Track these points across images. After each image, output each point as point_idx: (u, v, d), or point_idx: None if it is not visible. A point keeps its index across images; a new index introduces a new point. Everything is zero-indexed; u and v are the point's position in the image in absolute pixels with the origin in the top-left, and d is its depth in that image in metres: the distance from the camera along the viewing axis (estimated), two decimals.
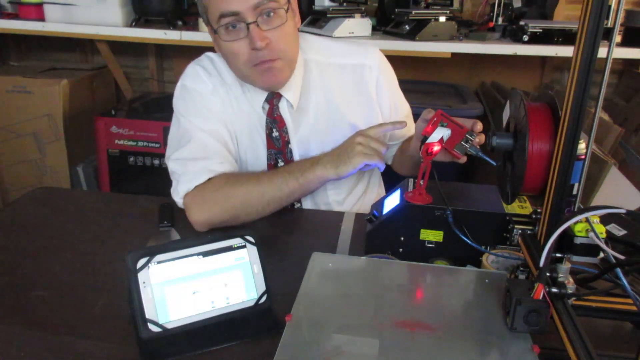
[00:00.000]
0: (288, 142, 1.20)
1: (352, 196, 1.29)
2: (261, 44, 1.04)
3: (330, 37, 1.26)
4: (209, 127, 1.14)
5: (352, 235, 1.07)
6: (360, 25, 2.16)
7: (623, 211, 0.61)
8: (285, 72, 1.12)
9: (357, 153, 1.05)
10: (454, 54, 2.10)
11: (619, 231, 0.96)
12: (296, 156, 1.21)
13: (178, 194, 1.09)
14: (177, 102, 1.19)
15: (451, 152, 0.94)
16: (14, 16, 2.35)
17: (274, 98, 1.17)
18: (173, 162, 1.13)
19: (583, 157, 0.69)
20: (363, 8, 2.31)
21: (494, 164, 0.90)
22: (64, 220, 1.11)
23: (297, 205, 1.24)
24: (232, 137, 1.19)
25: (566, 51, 2.05)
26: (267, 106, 1.18)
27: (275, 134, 1.19)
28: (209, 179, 1.08)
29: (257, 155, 1.21)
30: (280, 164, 1.21)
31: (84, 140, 2.41)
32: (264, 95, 1.17)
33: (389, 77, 1.26)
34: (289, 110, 1.19)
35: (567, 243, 0.67)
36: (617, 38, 0.64)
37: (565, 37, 2.06)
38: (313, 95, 1.20)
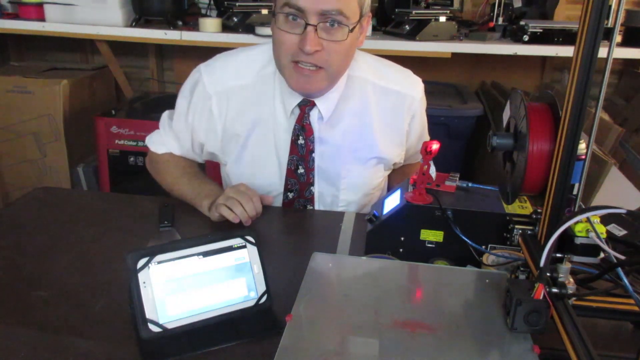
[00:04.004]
0: (312, 152, 1.19)
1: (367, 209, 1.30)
2: (310, 49, 1.01)
3: (379, 57, 1.26)
4: (191, 122, 1.23)
5: (352, 235, 1.07)
6: None
7: (623, 211, 0.61)
8: (324, 83, 1.10)
9: (220, 205, 1.09)
10: (454, 54, 2.10)
11: (619, 231, 0.96)
12: (317, 165, 1.21)
13: (147, 143, 1.33)
14: (188, 82, 1.24)
15: (445, 186, 0.96)
16: (14, 16, 2.35)
17: (307, 105, 1.16)
18: (163, 116, 1.31)
19: (583, 157, 0.68)
20: None
21: (492, 188, 0.96)
22: (64, 220, 1.11)
23: (310, 207, 1.25)
24: (218, 144, 1.22)
25: (566, 51, 2.05)
26: (297, 111, 1.17)
27: (301, 141, 1.18)
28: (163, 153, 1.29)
29: (266, 159, 1.21)
30: (301, 170, 1.20)
31: (84, 140, 2.41)
32: (297, 99, 1.15)
33: (424, 110, 1.28)
34: (318, 121, 1.18)
35: (567, 243, 0.67)
36: (618, 38, 0.65)
37: (565, 37, 2.06)
38: (348, 112, 1.19)
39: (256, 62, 1.18)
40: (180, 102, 1.24)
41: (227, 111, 1.19)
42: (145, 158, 1.30)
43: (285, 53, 1.05)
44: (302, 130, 1.17)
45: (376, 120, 1.21)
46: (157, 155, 1.31)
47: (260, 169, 1.21)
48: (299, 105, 1.16)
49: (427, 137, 1.33)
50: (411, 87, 1.22)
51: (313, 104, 1.15)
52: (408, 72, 1.25)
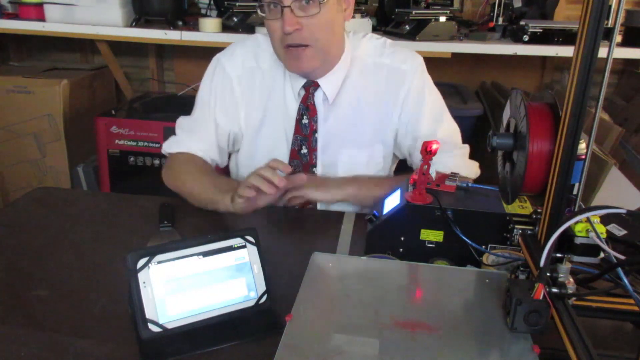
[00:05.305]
0: (315, 132, 1.23)
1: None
2: (289, 29, 1.07)
3: (382, 38, 1.27)
4: (214, 107, 1.23)
5: (352, 235, 1.07)
6: (360, 25, 2.16)
7: (623, 211, 0.61)
8: (315, 60, 1.14)
9: (242, 187, 1.02)
10: (454, 54, 2.10)
11: (619, 231, 0.96)
12: (319, 146, 1.24)
13: (164, 149, 1.26)
14: (207, 71, 1.27)
15: (445, 186, 0.96)
16: (14, 16, 2.35)
17: (311, 86, 1.21)
18: (179, 121, 1.28)
19: (583, 157, 0.68)
20: (363, 8, 2.30)
21: (492, 188, 0.95)
22: (64, 220, 1.11)
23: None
24: (241, 126, 1.25)
25: (566, 51, 2.05)
26: (302, 92, 1.21)
27: (305, 120, 1.22)
28: (180, 152, 1.23)
29: (276, 143, 1.24)
30: (304, 150, 1.24)
31: (84, 140, 2.41)
32: (302, 81, 1.20)
33: (424, 89, 1.22)
34: (323, 102, 1.22)
35: (567, 243, 0.67)
36: (618, 38, 0.64)
37: (565, 37, 2.06)
38: (349, 92, 1.23)
39: (270, 47, 1.21)
40: (201, 91, 1.27)
41: (246, 92, 1.23)
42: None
43: (276, 40, 1.12)
44: (306, 110, 1.22)
45: (373, 97, 1.23)
46: (173, 158, 1.24)
47: (271, 155, 1.22)
48: (304, 86, 1.21)
49: (427, 127, 1.20)
50: (403, 61, 1.22)
51: (317, 85, 1.20)
52: (406, 50, 1.25)
